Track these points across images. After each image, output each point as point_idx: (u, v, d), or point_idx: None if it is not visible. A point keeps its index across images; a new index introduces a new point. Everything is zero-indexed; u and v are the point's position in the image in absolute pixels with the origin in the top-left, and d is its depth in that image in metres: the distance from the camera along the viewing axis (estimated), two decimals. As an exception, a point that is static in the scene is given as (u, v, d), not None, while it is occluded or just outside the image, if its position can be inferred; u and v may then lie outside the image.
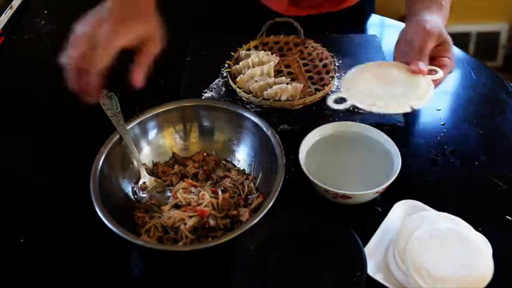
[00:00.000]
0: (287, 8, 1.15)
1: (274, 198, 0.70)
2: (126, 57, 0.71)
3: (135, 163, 0.81)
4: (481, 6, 2.20)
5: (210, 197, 0.75)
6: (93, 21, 0.70)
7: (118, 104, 0.80)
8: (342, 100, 0.75)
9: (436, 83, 0.78)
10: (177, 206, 0.76)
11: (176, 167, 0.83)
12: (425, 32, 0.79)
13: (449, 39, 0.81)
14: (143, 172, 0.80)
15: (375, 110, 0.72)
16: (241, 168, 0.83)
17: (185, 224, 0.72)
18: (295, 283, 0.69)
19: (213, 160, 0.84)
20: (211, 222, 0.73)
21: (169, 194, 0.79)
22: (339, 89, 0.97)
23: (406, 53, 0.80)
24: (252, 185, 0.80)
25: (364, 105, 0.73)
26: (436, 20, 0.81)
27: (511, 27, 2.28)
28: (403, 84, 0.76)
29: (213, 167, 0.83)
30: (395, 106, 0.72)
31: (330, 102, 0.75)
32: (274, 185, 0.71)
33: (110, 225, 0.67)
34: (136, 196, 0.79)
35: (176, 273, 0.72)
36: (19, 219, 0.80)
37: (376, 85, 0.77)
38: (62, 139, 0.92)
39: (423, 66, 0.77)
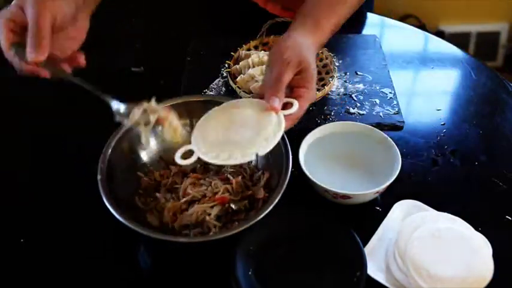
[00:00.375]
0: (281, 11, 1.15)
1: (289, 174, 0.71)
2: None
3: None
4: (481, 6, 2.20)
5: (223, 184, 0.76)
6: None
7: None
8: (190, 153, 0.68)
9: (293, 117, 0.71)
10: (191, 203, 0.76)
11: (172, 167, 0.82)
12: (281, 61, 0.70)
13: (312, 67, 0.73)
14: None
15: (218, 162, 0.67)
16: None
17: (209, 214, 0.73)
18: (295, 283, 0.69)
19: None
20: (234, 206, 0.74)
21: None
22: (338, 88, 0.98)
23: (266, 79, 0.73)
24: (251, 165, 0.80)
25: (208, 157, 0.67)
26: (302, 45, 0.73)
27: (511, 27, 2.28)
28: (254, 126, 0.69)
29: None
30: (239, 156, 0.67)
31: (178, 157, 0.68)
32: (283, 160, 0.72)
33: (122, 220, 0.67)
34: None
35: (178, 270, 0.72)
36: (19, 219, 0.80)
37: (225, 131, 0.70)
38: (62, 139, 0.92)
39: (276, 103, 0.69)
